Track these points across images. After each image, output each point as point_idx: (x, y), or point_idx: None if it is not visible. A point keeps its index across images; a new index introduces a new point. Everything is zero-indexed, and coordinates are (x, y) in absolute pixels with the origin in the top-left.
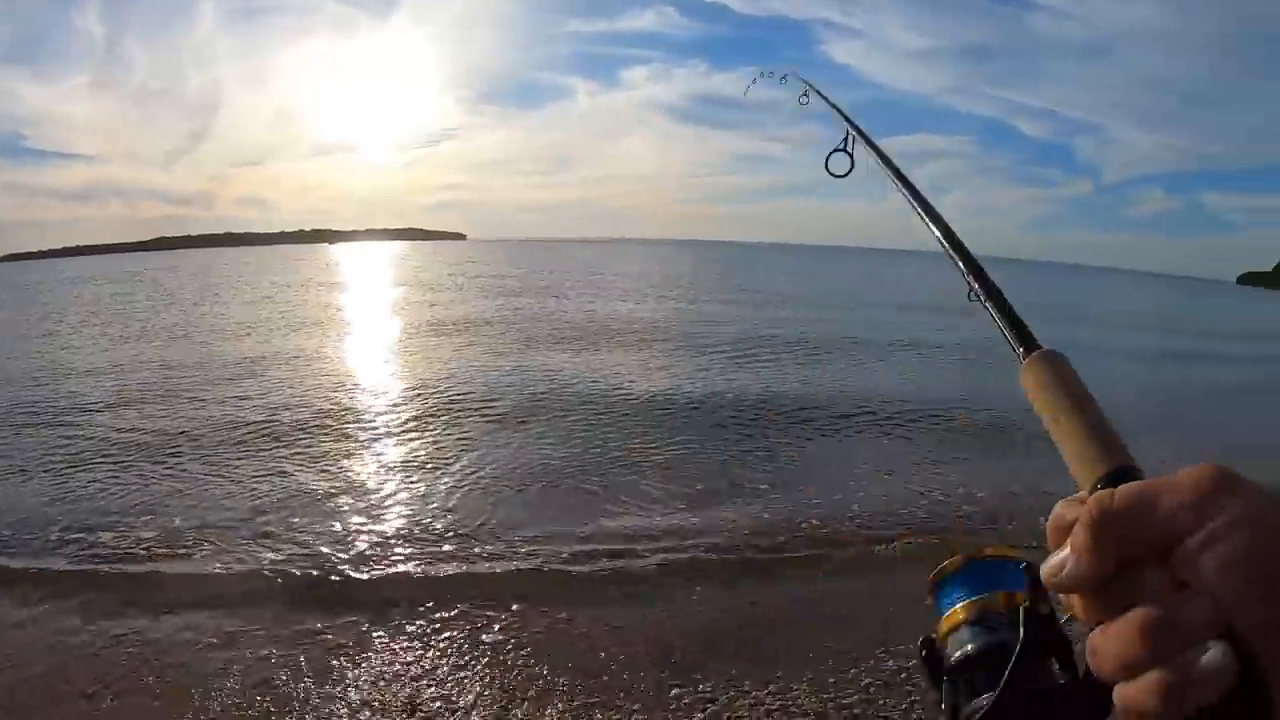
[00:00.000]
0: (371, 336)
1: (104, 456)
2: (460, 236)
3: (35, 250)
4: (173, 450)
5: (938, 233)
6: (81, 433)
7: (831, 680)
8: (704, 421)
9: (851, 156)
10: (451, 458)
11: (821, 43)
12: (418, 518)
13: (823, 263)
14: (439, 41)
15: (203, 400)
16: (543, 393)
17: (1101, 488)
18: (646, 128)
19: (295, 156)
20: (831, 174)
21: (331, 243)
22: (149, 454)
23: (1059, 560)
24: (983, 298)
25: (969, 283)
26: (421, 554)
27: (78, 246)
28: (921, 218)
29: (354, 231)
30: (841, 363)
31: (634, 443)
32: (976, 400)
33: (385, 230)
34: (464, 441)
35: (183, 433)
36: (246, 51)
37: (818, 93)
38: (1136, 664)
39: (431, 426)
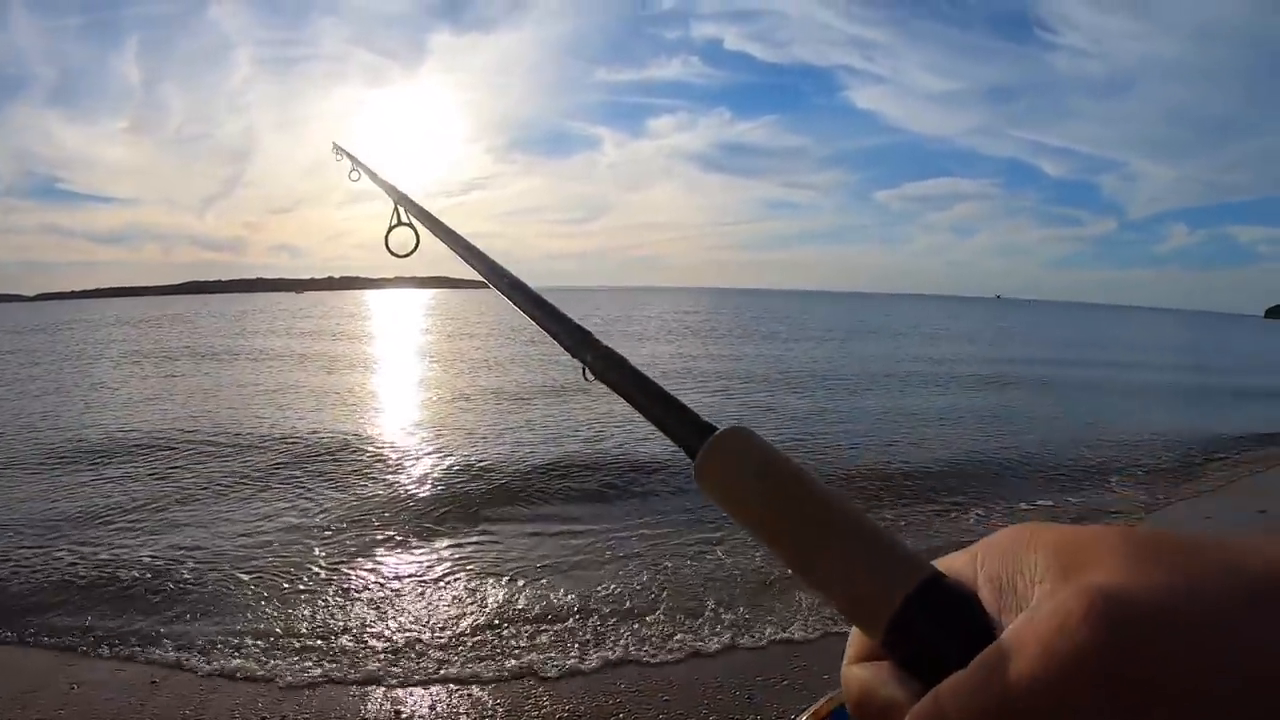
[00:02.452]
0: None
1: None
2: (487, 285)
3: (69, 290)
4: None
5: (518, 302)
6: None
7: None
8: None
9: (414, 229)
10: None
11: (845, 89)
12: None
13: (863, 308)
14: (469, 90)
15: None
16: None
17: (896, 637)
18: (673, 176)
19: (327, 204)
20: (394, 254)
21: (361, 289)
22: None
23: None
24: (591, 376)
25: (583, 363)
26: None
27: (112, 288)
28: (504, 293)
29: (383, 279)
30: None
31: None
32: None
33: (414, 278)
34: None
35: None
36: (280, 100)
37: (359, 164)
38: None
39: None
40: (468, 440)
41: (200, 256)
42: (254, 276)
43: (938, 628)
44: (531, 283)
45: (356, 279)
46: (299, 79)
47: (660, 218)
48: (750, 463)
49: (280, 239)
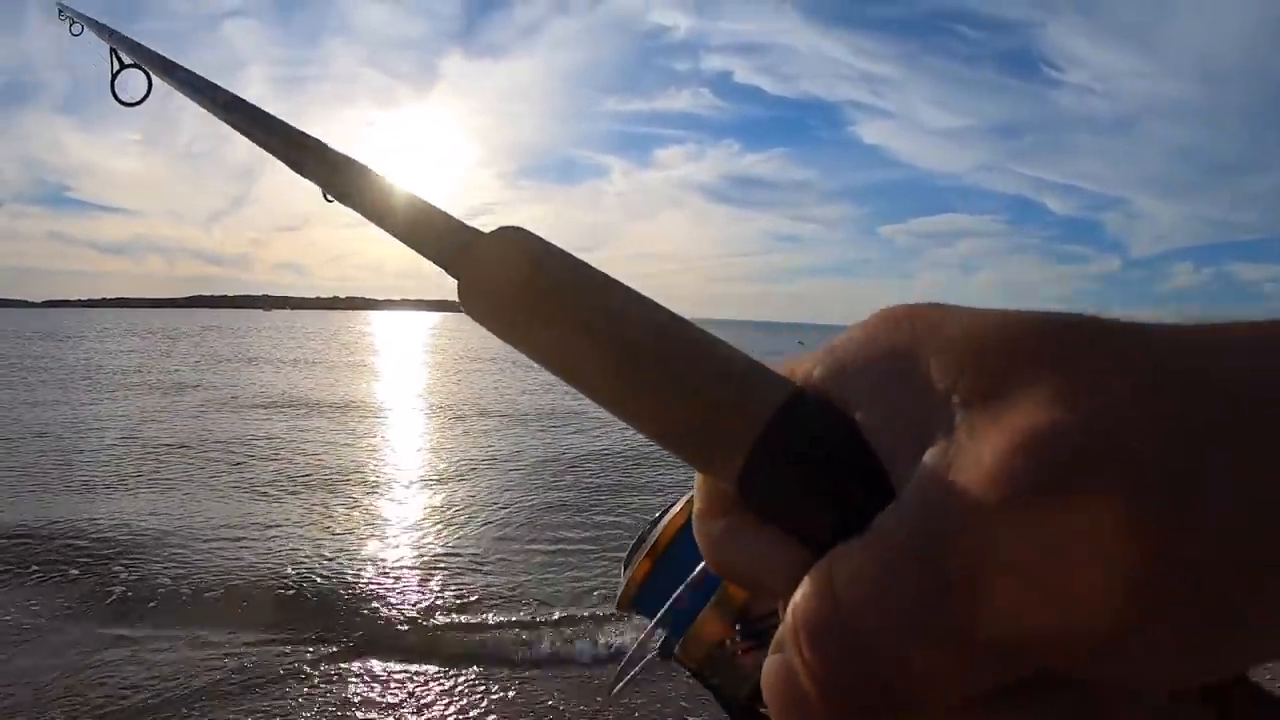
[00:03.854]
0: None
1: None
2: None
3: (74, 299)
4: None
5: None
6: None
7: None
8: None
9: (147, 74)
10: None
11: (852, 124)
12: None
13: None
14: (479, 115)
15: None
16: None
17: (753, 473)
18: (680, 207)
19: (333, 224)
20: (122, 102)
21: (367, 309)
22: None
23: (789, 694)
24: (331, 198)
25: (319, 183)
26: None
27: (117, 299)
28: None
29: (389, 300)
30: None
31: None
32: None
33: (420, 301)
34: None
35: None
36: (289, 117)
37: (75, 14)
38: None
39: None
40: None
41: (205, 271)
42: (259, 293)
43: (808, 469)
44: None
45: (362, 299)
46: (309, 98)
47: (666, 248)
48: (530, 268)
49: (286, 257)
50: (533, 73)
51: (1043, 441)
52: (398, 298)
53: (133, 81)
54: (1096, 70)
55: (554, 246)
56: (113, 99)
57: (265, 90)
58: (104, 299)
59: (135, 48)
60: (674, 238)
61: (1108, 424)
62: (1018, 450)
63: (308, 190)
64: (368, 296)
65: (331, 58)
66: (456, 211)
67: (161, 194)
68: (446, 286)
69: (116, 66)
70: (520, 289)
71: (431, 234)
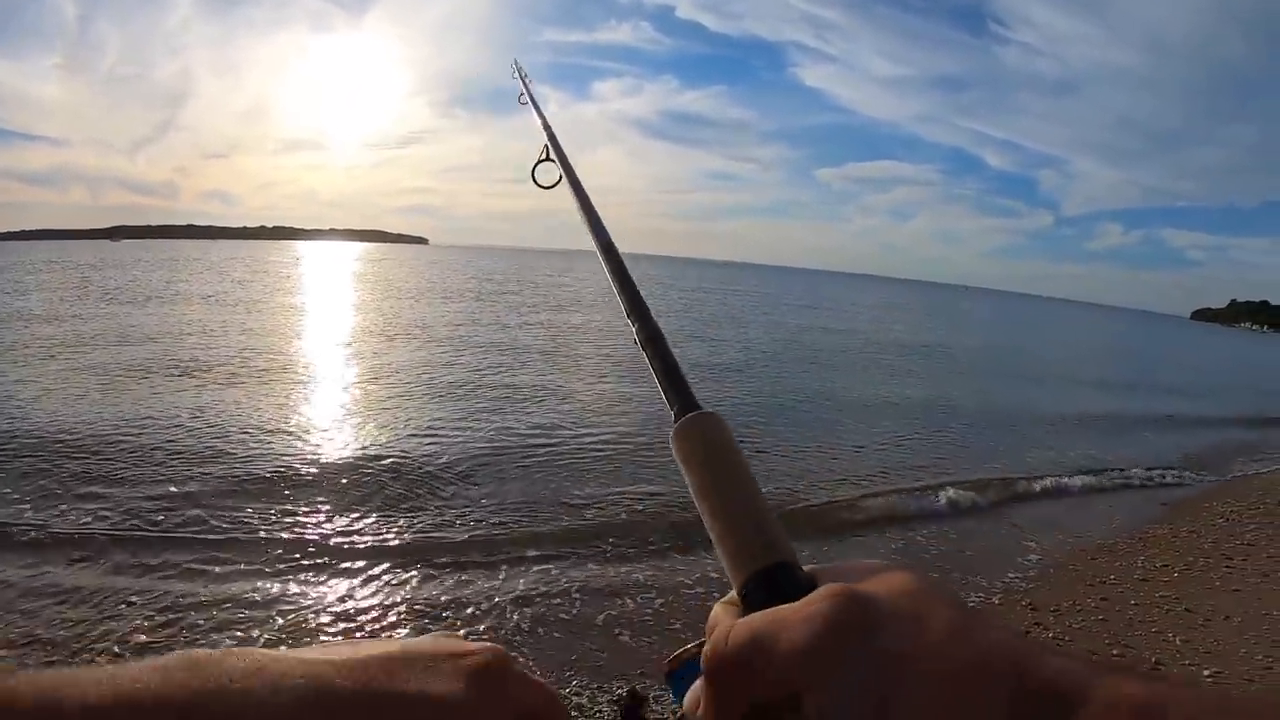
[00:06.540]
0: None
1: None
2: (423, 241)
3: None
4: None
5: (607, 268)
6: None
7: None
8: None
9: (560, 166)
10: None
11: (794, 65)
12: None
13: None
14: (414, 43)
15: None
16: None
17: (749, 591)
18: (616, 141)
19: (262, 151)
20: (539, 185)
21: (294, 240)
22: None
23: (695, 698)
24: (639, 343)
25: (633, 328)
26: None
27: (37, 230)
28: (600, 253)
29: (317, 230)
30: None
31: None
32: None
33: (349, 231)
34: None
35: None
36: (219, 41)
37: (532, 100)
38: None
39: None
40: None
41: (130, 200)
42: (185, 223)
43: (773, 593)
44: (465, 241)
45: (289, 229)
46: (239, 21)
47: (601, 181)
48: (708, 440)
49: (214, 185)
50: (470, 0)
51: (835, 589)
52: (325, 227)
53: (548, 171)
54: (1045, 31)
55: (725, 432)
56: (531, 179)
57: (194, 11)
58: (24, 231)
59: (560, 149)
60: (609, 172)
61: (863, 593)
62: (827, 588)
63: (235, 116)
64: (295, 226)
65: None
66: (386, 140)
67: (85, 121)
68: (372, 217)
69: (544, 156)
70: (697, 448)
71: (676, 392)
